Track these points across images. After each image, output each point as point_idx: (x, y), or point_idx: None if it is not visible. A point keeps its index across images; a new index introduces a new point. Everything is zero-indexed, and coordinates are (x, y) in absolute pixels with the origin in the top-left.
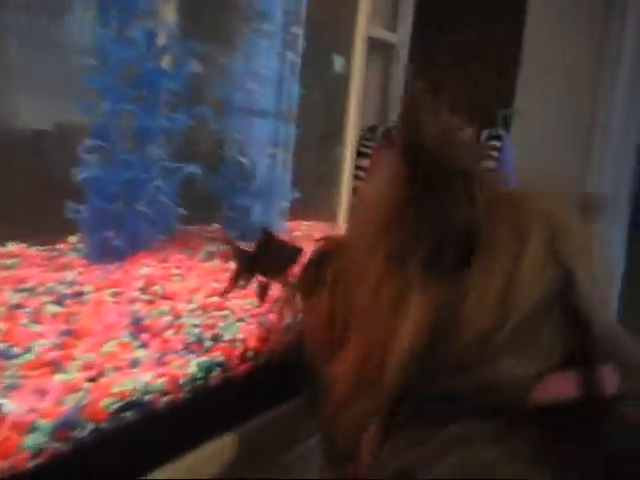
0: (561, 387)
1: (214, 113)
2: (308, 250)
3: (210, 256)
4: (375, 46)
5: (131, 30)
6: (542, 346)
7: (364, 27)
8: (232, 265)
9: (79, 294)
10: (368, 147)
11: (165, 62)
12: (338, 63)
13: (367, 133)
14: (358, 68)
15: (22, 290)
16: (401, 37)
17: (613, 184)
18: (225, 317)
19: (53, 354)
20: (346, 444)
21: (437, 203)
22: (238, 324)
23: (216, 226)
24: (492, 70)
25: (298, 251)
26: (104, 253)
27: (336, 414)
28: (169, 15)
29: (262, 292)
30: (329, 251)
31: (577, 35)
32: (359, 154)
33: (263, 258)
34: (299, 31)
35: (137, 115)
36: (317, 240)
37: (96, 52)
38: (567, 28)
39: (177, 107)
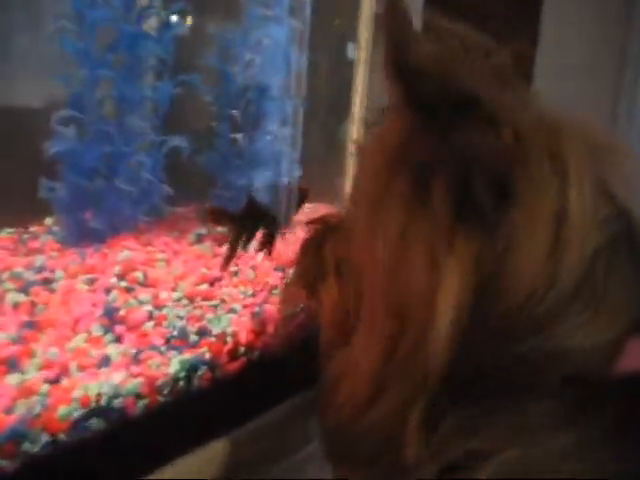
0: None
1: (206, 83)
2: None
3: (200, 239)
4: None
5: None
6: (612, 302)
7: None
8: (224, 249)
9: (48, 281)
10: None
11: (149, 25)
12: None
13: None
14: (364, 44)
15: None
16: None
17: None
18: (215, 307)
19: (9, 350)
20: (377, 443)
21: (452, 130)
22: (229, 316)
23: (209, 205)
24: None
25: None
26: (81, 235)
27: (360, 411)
28: None
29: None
30: (326, 231)
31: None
32: None
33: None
34: None
35: (117, 83)
36: (309, 223)
37: (71, 13)
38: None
39: (162, 75)
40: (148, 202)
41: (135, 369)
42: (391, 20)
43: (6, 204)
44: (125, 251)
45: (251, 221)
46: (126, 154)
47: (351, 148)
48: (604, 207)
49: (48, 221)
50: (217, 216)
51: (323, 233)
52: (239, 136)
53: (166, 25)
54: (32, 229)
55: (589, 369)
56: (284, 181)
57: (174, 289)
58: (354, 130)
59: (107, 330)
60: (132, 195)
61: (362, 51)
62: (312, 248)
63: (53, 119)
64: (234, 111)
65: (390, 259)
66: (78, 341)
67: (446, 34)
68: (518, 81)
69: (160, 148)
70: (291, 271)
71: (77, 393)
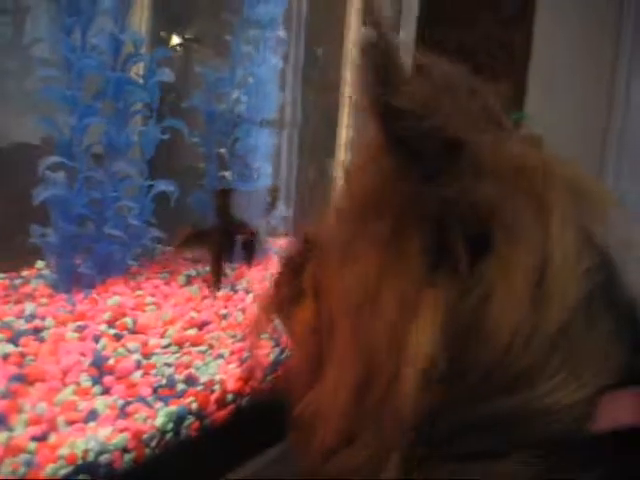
0: (625, 410)
1: (193, 123)
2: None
3: (190, 280)
4: None
5: (95, 37)
6: (592, 356)
7: (355, 28)
8: (213, 291)
9: (38, 330)
10: None
11: (134, 71)
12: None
13: None
14: (351, 73)
15: None
16: (405, 37)
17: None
18: (203, 353)
19: None
20: None
21: (432, 176)
22: (217, 362)
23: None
24: (501, 71)
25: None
26: (72, 281)
27: (333, 456)
28: (139, 20)
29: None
30: (308, 250)
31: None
32: None
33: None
34: (285, 35)
35: (104, 129)
36: (285, 247)
37: (57, 61)
38: (578, 29)
39: (148, 119)
40: (137, 246)
41: (122, 423)
42: (375, 56)
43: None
44: (115, 296)
45: (227, 234)
46: (114, 199)
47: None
48: (586, 258)
49: (40, 264)
50: (192, 239)
51: (304, 252)
52: (227, 174)
53: (151, 71)
54: (24, 273)
55: (565, 426)
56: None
57: (163, 335)
58: (339, 164)
59: (95, 381)
60: (121, 240)
61: (346, 85)
62: (291, 267)
63: (41, 165)
64: (222, 150)
65: (362, 299)
66: (66, 394)
67: (432, 71)
68: (504, 119)
69: (148, 192)
70: (266, 292)
71: (64, 450)
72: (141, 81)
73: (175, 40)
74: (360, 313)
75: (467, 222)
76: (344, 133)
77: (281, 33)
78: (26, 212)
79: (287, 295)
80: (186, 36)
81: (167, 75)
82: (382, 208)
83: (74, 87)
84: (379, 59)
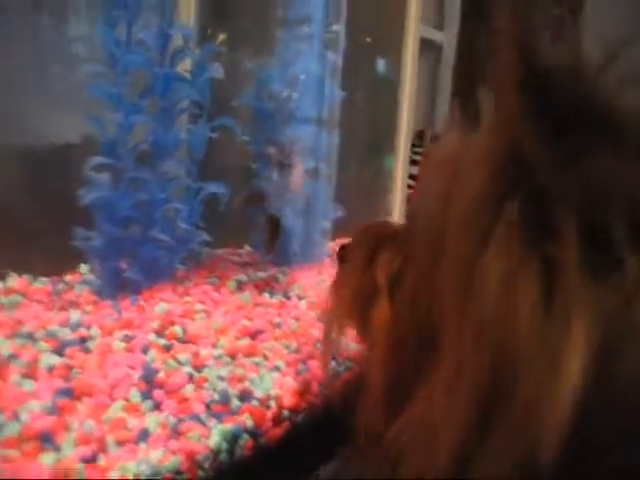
0: None
1: (243, 123)
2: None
3: (241, 286)
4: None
5: (141, 31)
6: None
7: (416, 27)
8: (265, 297)
9: (84, 340)
10: (417, 153)
11: (183, 67)
12: (383, 65)
13: (415, 139)
14: (410, 71)
15: (18, 336)
16: (448, 36)
17: None
18: (257, 365)
19: (44, 422)
20: None
21: (585, 155)
22: (272, 374)
23: (247, 249)
24: None
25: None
26: (117, 286)
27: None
28: (187, 14)
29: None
30: (378, 244)
31: None
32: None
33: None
34: (341, 30)
35: (151, 127)
36: (357, 233)
37: (103, 57)
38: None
39: (197, 118)
40: (185, 250)
41: (174, 444)
42: (515, 19)
43: (41, 249)
44: (162, 303)
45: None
46: (162, 201)
47: (396, 181)
48: None
49: (83, 268)
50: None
51: (374, 246)
52: (274, 174)
53: (201, 67)
54: (67, 277)
55: None
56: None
57: (215, 345)
58: (399, 162)
59: (145, 396)
60: (169, 244)
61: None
62: (361, 263)
63: (86, 166)
64: (272, 149)
65: (495, 301)
66: (115, 410)
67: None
68: None
69: (197, 194)
70: (331, 292)
71: (114, 474)
72: (189, 77)
73: (222, 36)
74: (493, 319)
75: (624, 217)
76: (403, 133)
77: (336, 27)
78: (68, 213)
79: (359, 293)
80: (234, 31)
81: (217, 71)
82: (515, 189)
83: (119, 84)
84: (522, 21)
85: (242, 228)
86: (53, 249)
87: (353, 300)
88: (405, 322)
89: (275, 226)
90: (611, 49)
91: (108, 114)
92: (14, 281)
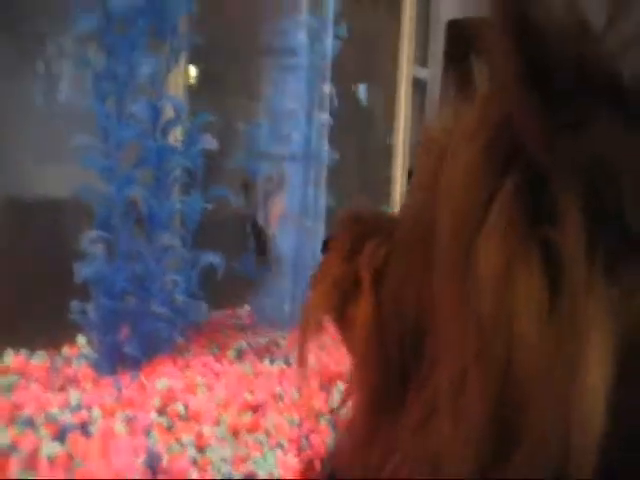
0: None
1: (236, 189)
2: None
3: (241, 355)
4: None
5: (132, 105)
6: None
7: (409, 67)
8: (266, 365)
9: (84, 424)
10: None
11: (174, 137)
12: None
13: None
14: (403, 114)
15: (17, 422)
16: (432, 73)
17: None
18: (260, 443)
19: None
20: None
21: (588, 126)
22: (275, 452)
23: (247, 308)
24: None
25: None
26: (116, 361)
27: None
28: (176, 87)
29: None
30: (363, 235)
31: None
32: None
33: None
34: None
35: (145, 199)
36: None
37: (95, 130)
38: None
39: (190, 187)
40: (184, 322)
41: None
42: None
43: (37, 321)
44: (163, 378)
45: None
46: (158, 273)
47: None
48: None
49: (80, 340)
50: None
51: (361, 234)
52: (272, 234)
53: (193, 138)
54: (64, 350)
55: None
56: None
57: (217, 421)
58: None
59: None
60: (167, 317)
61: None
62: (342, 251)
63: (82, 241)
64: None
65: (493, 298)
66: None
67: None
68: None
69: (193, 264)
70: (311, 284)
71: None
72: (180, 146)
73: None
74: (484, 315)
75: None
76: (399, 178)
77: (326, 88)
78: (62, 276)
79: (339, 287)
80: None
81: (210, 142)
82: (511, 165)
83: (112, 157)
84: None
85: (240, 288)
86: (50, 321)
87: (332, 293)
88: (390, 321)
89: (259, 231)
90: (613, 10)
91: (101, 185)
92: (10, 359)
